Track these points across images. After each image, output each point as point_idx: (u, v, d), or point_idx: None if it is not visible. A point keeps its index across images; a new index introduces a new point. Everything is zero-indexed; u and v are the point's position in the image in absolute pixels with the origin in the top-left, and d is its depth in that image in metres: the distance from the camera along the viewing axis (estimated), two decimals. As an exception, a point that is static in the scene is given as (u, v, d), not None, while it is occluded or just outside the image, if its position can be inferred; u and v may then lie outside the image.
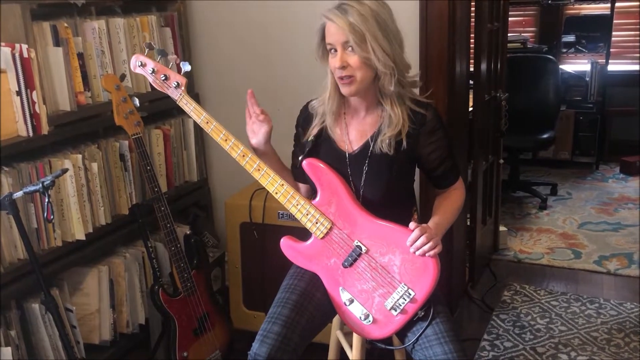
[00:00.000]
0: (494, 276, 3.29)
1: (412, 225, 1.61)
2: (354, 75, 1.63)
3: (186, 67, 1.79)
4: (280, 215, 2.52)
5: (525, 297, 3.06)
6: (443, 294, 1.81)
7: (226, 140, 1.76)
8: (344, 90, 1.67)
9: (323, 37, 1.66)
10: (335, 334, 2.04)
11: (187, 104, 1.80)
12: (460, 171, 1.88)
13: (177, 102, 1.82)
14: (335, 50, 1.62)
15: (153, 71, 1.82)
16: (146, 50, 1.85)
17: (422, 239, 1.59)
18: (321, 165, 1.72)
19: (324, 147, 1.77)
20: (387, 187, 1.72)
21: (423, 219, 2.12)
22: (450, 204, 1.81)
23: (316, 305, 1.73)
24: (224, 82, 2.95)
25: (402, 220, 1.69)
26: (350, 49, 1.60)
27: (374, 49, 1.59)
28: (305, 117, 1.84)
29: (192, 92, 2.92)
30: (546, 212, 4.20)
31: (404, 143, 1.69)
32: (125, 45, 2.44)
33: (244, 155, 1.75)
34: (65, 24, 2.18)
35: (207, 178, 3.05)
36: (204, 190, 3.03)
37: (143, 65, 1.84)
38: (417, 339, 1.62)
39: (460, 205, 1.84)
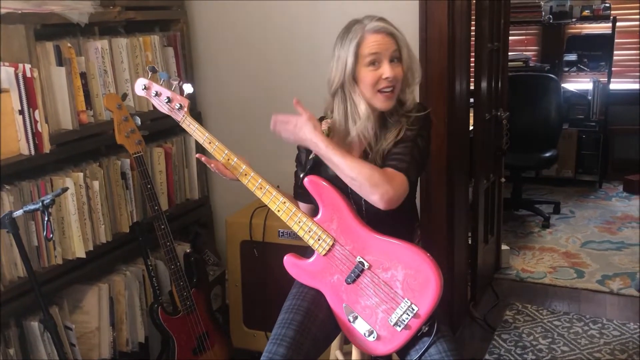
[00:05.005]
0: (496, 295, 3.27)
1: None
2: (395, 87, 1.68)
3: (188, 88, 1.83)
4: (281, 234, 2.52)
5: (527, 316, 3.04)
6: (444, 313, 1.80)
7: (228, 159, 1.78)
8: (385, 104, 1.68)
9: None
10: (335, 354, 2.03)
11: (190, 125, 1.83)
12: (409, 173, 1.65)
13: (181, 124, 1.86)
14: (376, 63, 1.65)
15: (156, 94, 1.86)
16: (149, 74, 1.88)
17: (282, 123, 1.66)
18: (322, 182, 1.73)
19: (324, 164, 1.78)
20: None
21: (424, 235, 2.12)
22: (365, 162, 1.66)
23: (319, 326, 1.72)
24: (226, 100, 2.97)
25: (405, 235, 1.69)
26: (395, 60, 1.66)
27: (415, 59, 1.70)
28: None
29: (195, 110, 2.94)
30: (549, 231, 4.19)
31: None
32: (127, 64, 2.46)
33: (245, 174, 1.77)
34: (69, 44, 2.21)
35: (209, 196, 3.06)
36: (205, 208, 3.03)
37: (147, 88, 1.88)
38: (420, 357, 1.61)
39: (371, 174, 1.60)
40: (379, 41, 1.64)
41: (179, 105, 1.84)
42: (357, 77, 1.67)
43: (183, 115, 1.84)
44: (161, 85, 1.87)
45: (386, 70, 1.64)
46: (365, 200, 1.72)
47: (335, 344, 2.01)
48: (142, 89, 1.89)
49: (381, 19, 1.68)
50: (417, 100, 2.45)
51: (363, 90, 1.68)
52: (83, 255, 2.27)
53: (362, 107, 1.69)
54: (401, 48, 1.67)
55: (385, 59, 1.65)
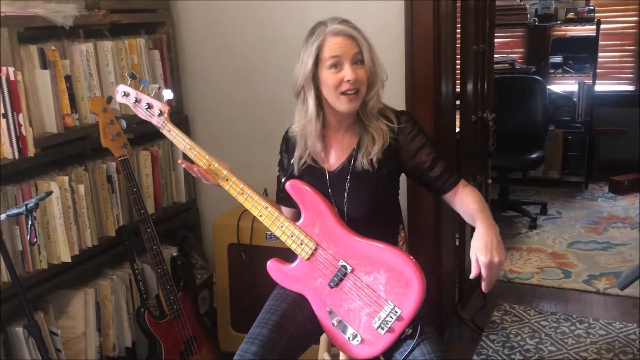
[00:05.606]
0: (483, 296, 3.27)
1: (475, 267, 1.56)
2: (359, 90, 1.65)
3: (168, 95, 1.84)
4: (268, 237, 2.51)
5: (515, 317, 3.06)
6: (432, 314, 1.81)
7: (210, 165, 1.78)
8: (348, 106, 1.66)
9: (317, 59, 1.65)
10: (323, 356, 2.02)
11: (170, 131, 1.84)
12: (461, 177, 1.80)
13: (161, 130, 1.86)
14: (337, 66, 1.63)
15: (136, 100, 1.86)
16: (129, 80, 1.88)
17: (490, 272, 1.55)
18: (305, 187, 1.73)
19: (305, 168, 1.78)
20: (371, 203, 1.73)
21: (411, 237, 2.11)
22: (471, 198, 1.72)
23: (298, 327, 1.72)
24: (212, 104, 2.96)
25: (389, 238, 1.69)
26: (359, 62, 1.64)
27: (377, 62, 1.66)
28: (288, 143, 1.85)
29: (182, 114, 2.93)
30: (536, 232, 4.21)
31: (387, 156, 1.70)
32: (113, 67, 2.45)
33: (227, 180, 1.77)
34: (53, 47, 2.20)
35: (196, 199, 3.05)
36: (192, 211, 3.02)
37: (126, 95, 1.88)
38: (404, 359, 1.61)
39: (481, 197, 1.75)
40: (340, 44, 1.62)
41: (159, 112, 1.84)
42: (320, 79, 1.66)
43: (163, 122, 1.85)
44: (141, 91, 1.87)
45: (348, 72, 1.62)
46: (346, 204, 1.73)
47: (323, 345, 2.01)
48: (122, 96, 1.89)
49: (343, 21, 1.66)
50: (404, 106, 2.49)
51: (326, 93, 1.67)
52: (69, 260, 2.25)
53: (311, 107, 1.68)
54: (363, 50, 1.64)
55: (347, 62, 1.63)
